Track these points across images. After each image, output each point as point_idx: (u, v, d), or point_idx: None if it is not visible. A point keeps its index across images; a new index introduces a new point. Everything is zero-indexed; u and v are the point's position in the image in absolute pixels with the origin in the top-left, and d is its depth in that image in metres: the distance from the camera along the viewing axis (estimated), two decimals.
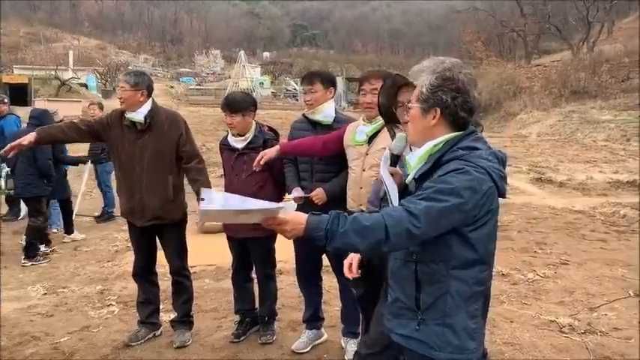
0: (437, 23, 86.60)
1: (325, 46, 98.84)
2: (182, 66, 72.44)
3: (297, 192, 3.50)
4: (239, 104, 3.62)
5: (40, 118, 6.30)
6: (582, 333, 4.06)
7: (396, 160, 2.01)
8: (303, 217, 1.73)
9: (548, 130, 24.64)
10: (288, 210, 1.81)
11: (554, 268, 5.68)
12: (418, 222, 1.66)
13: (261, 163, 3.37)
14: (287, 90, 53.37)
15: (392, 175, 1.98)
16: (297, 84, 51.37)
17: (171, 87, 50.00)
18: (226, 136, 3.82)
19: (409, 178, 1.92)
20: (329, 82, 3.57)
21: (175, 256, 3.92)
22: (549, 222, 7.96)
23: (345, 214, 1.72)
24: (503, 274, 5.42)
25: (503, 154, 1.88)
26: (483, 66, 38.42)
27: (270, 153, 3.40)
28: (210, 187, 3.72)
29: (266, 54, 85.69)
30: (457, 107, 1.81)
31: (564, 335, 4.04)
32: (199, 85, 56.69)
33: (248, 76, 49.97)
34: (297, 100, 45.95)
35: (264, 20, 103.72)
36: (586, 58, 33.89)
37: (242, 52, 53.59)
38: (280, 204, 1.80)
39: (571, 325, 4.18)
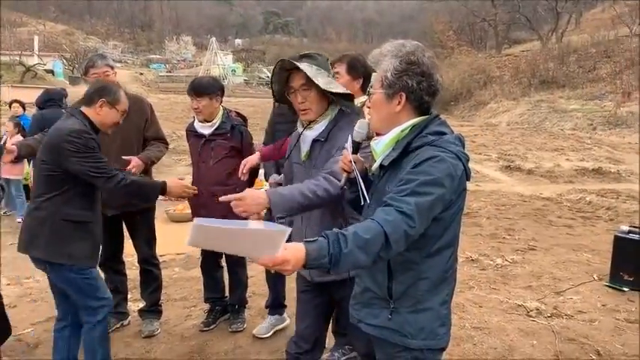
0: (410, 13, 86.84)
1: (298, 34, 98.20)
2: (152, 52, 71.16)
3: (274, 178, 3.51)
4: (205, 88, 3.52)
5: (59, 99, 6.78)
6: (549, 316, 4.15)
7: (357, 147, 1.97)
8: (300, 249, 1.58)
9: (518, 119, 25.03)
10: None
11: (522, 254, 5.78)
12: (413, 222, 1.63)
13: (244, 172, 3.29)
14: (260, 78, 52.94)
15: (354, 163, 1.94)
16: (269, 72, 50.84)
17: (141, 74, 49.10)
18: (193, 122, 3.73)
19: (375, 165, 1.88)
20: None
21: (144, 245, 3.85)
22: (518, 209, 8.10)
23: (343, 232, 1.62)
24: (472, 260, 5.49)
25: (462, 137, 1.86)
26: (455, 55, 38.71)
27: (252, 160, 3.33)
28: (155, 157, 3.67)
29: (238, 41, 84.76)
30: (422, 91, 1.77)
31: (531, 319, 4.11)
32: (170, 72, 55.81)
33: (220, 63, 49.44)
34: (269, 87, 45.65)
35: (236, 7, 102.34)
36: (555, 48, 34.45)
37: (213, 39, 52.90)
38: (283, 227, 1.56)
39: (538, 309, 4.26)
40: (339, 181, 2.06)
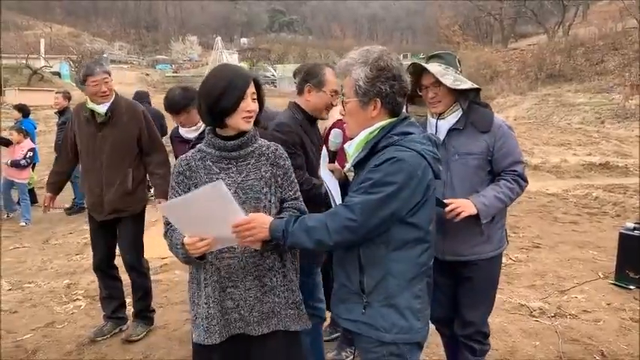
0: (415, 7, 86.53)
1: (304, 31, 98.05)
2: (158, 53, 71.35)
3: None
4: (177, 104, 3.40)
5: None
6: (552, 316, 4.08)
7: (333, 156, 2.05)
8: (267, 218, 1.84)
9: (525, 113, 24.83)
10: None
11: (526, 252, 5.70)
12: (353, 214, 1.74)
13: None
14: (265, 76, 52.90)
15: (332, 171, 2.02)
16: (275, 70, 50.96)
17: (147, 74, 49.27)
18: (177, 128, 3.66)
19: (347, 167, 1.97)
20: None
21: (128, 251, 3.78)
22: (523, 205, 8.01)
23: (305, 216, 1.82)
24: None
25: (436, 137, 1.94)
26: (461, 50, 38.51)
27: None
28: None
29: (243, 40, 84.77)
30: (395, 94, 1.84)
31: (534, 319, 4.05)
32: (176, 72, 55.93)
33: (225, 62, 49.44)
34: (275, 86, 45.81)
35: (240, 5, 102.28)
36: (561, 41, 34.17)
37: (219, 39, 53.03)
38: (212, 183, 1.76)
39: (541, 309, 4.20)
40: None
